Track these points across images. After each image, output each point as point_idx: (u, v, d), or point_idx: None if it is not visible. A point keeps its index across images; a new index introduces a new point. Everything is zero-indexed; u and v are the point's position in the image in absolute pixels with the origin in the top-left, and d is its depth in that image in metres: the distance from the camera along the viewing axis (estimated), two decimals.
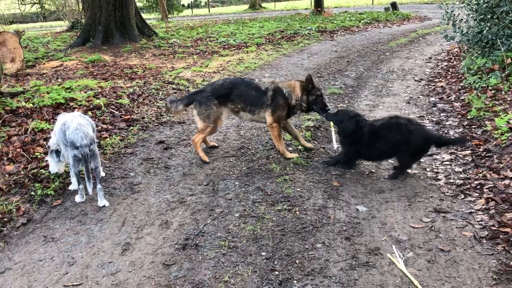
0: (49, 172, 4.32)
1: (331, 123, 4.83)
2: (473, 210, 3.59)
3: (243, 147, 5.25)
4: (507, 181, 3.89)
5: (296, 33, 15.80)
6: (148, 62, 11.05)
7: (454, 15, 8.24)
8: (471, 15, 8.02)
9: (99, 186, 3.90)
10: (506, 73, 6.57)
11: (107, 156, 4.98)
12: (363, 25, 18.66)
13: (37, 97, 6.69)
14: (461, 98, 6.72)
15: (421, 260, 3.02)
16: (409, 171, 4.39)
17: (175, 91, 7.93)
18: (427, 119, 6.03)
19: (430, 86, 7.98)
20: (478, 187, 3.94)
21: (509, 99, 5.71)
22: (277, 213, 3.67)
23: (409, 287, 2.75)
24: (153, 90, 7.84)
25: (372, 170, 4.51)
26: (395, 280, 2.82)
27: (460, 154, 4.71)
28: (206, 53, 12.43)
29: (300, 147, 5.08)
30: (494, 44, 7.23)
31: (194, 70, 9.72)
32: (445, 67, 9.46)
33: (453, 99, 6.83)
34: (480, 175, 4.12)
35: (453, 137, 5.07)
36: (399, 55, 11.51)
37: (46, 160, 4.38)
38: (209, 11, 41.94)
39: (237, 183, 4.28)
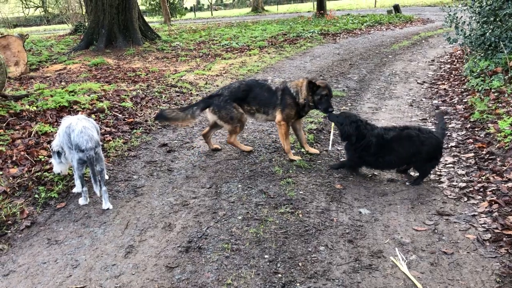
0: (53, 174, 4.35)
1: (332, 124, 4.85)
2: (476, 213, 3.58)
3: None
4: (510, 184, 3.87)
5: (298, 36, 15.82)
6: (151, 65, 11.09)
7: (457, 17, 8.25)
8: (474, 18, 8.04)
9: (104, 188, 3.91)
10: (509, 75, 6.56)
11: (110, 159, 5.00)
12: (365, 27, 18.68)
13: (40, 100, 6.73)
14: (464, 100, 6.72)
15: (424, 263, 3.01)
16: (411, 173, 4.39)
17: (178, 94, 7.96)
18: (430, 122, 6.02)
19: (433, 89, 7.97)
20: (481, 189, 3.93)
21: None
22: (280, 216, 3.67)
23: None
24: (156, 93, 7.86)
25: (375, 173, 4.51)
26: (398, 283, 2.81)
27: (463, 156, 4.71)
28: (209, 56, 12.47)
29: (302, 150, 5.09)
30: (497, 46, 7.23)
31: (197, 73, 9.75)
32: (448, 70, 9.46)
33: (456, 101, 6.83)
34: (483, 177, 4.11)
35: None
36: (402, 57, 11.51)
37: (50, 163, 4.41)
38: (211, 14, 42.13)
39: (240, 186, 4.28)
